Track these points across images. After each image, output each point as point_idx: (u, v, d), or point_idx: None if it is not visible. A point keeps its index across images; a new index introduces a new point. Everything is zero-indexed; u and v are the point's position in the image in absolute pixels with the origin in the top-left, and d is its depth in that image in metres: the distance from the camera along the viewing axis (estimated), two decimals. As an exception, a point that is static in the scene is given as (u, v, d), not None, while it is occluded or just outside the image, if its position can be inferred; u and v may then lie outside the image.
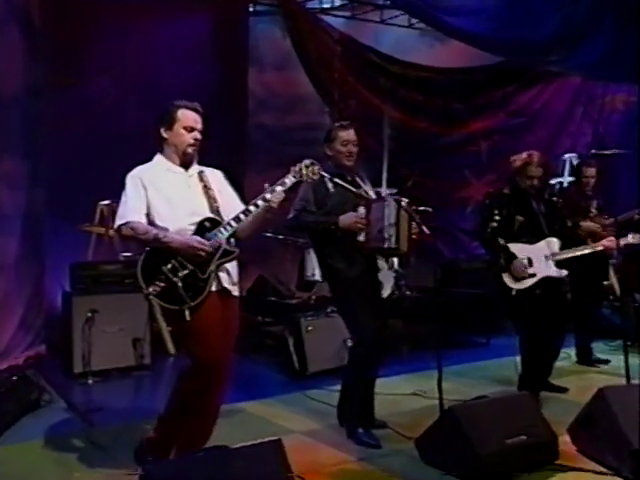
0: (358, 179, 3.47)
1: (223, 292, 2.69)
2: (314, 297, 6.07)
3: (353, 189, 3.35)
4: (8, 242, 5.04)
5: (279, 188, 2.70)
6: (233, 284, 2.75)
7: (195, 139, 2.73)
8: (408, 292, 5.92)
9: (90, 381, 4.46)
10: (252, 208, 2.66)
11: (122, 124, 5.49)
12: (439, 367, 2.98)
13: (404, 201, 3.32)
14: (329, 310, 4.94)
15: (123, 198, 2.70)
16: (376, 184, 7.62)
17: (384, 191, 7.21)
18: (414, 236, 3.28)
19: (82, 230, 5.21)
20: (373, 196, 3.45)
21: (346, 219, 3.24)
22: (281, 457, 2.45)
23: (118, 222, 2.67)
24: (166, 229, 2.66)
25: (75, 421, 3.74)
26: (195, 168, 2.80)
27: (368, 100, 7.03)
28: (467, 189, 7.61)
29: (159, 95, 5.57)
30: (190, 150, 2.72)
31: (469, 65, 7.46)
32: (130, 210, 2.66)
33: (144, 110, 5.64)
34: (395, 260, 6.56)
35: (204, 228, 2.65)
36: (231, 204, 2.79)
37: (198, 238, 2.59)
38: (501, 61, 7.31)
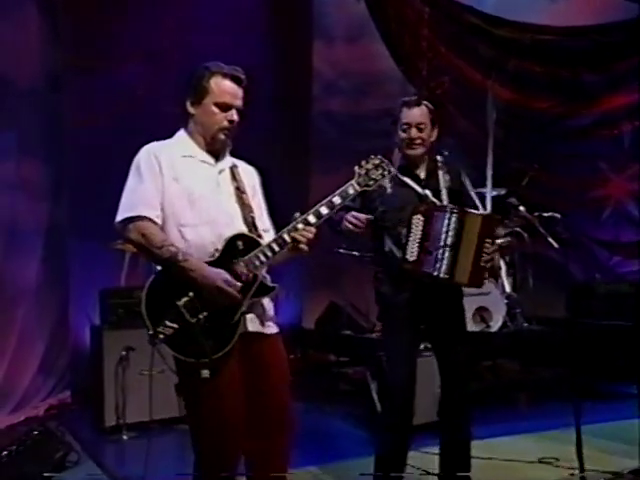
0: (442, 174, 3.24)
1: (251, 336, 2.50)
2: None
3: (418, 188, 3.17)
4: (27, 264, 5.25)
5: (337, 200, 2.53)
6: (268, 320, 2.57)
7: (231, 121, 2.51)
8: (526, 324, 5.71)
9: (125, 437, 4.52)
10: (287, 238, 2.46)
11: (160, 116, 5.62)
12: (577, 426, 2.83)
13: (476, 213, 3.09)
14: (422, 347, 4.83)
15: (132, 182, 2.46)
16: (478, 183, 7.55)
17: (488, 192, 7.07)
18: (485, 264, 3.04)
19: (114, 249, 5.32)
20: (445, 201, 3.16)
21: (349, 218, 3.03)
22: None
23: (124, 214, 2.40)
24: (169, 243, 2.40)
25: (107, 487, 3.78)
26: (227, 161, 2.61)
27: (467, 75, 6.93)
28: (604, 187, 7.37)
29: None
30: (222, 136, 2.52)
31: (605, 22, 7.20)
32: (142, 201, 2.41)
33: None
34: (506, 281, 6.40)
35: (235, 249, 2.43)
36: (260, 219, 2.63)
37: (227, 277, 2.37)
38: (650, 12, 7.05)
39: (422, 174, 3.23)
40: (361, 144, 6.79)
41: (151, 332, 2.32)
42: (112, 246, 5.21)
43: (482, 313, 5.63)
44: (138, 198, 2.42)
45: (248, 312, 2.46)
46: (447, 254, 3.01)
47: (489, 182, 6.98)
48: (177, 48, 6.06)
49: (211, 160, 2.55)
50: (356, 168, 2.61)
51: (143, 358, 4.52)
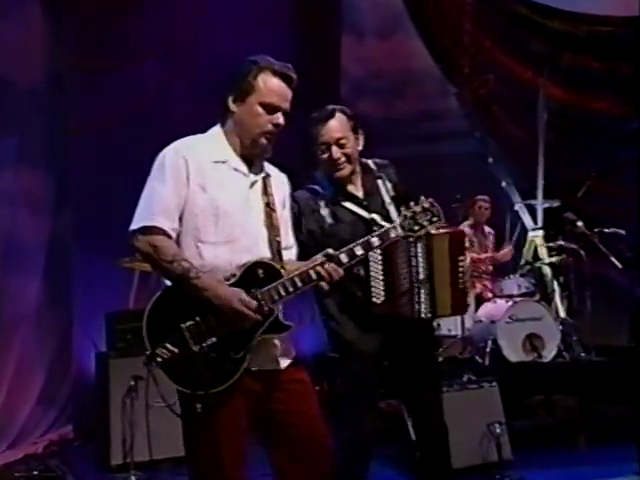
0: (382, 184, 3.09)
1: (258, 373, 2.47)
2: (441, 359, 5.89)
3: (362, 212, 3.04)
4: (27, 284, 5.25)
5: (375, 242, 2.55)
6: (280, 356, 2.54)
7: (276, 125, 2.50)
8: (584, 354, 5.66)
9: (133, 477, 4.47)
10: (313, 275, 2.44)
11: (174, 120, 5.63)
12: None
13: (441, 233, 2.97)
14: (465, 379, 4.77)
15: (153, 183, 2.45)
16: (528, 194, 7.46)
17: (539, 204, 6.99)
18: (463, 285, 3.00)
19: (122, 267, 5.28)
20: (396, 219, 2.89)
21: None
22: None
23: (140, 222, 2.40)
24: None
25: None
26: (261, 170, 2.60)
27: (515, 73, 6.93)
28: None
29: (221, 80, 5.72)
30: (264, 140, 2.50)
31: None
32: (160, 209, 2.41)
33: (202, 100, 5.81)
34: (560, 304, 6.31)
35: (254, 278, 2.41)
36: (284, 234, 2.62)
37: (243, 296, 2.35)
38: None
39: (360, 192, 3.11)
40: (396, 151, 6.74)
41: (148, 353, 2.34)
42: (120, 264, 5.23)
43: (533, 341, 5.56)
44: (155, 206, 2.41)
45: (256, 349, 2.43)
46: (423, 290, 2.94)
47: (540, 193, 6.92)
48: (193, 46, 6.10)
49: (244, 168, 2.53)
50: (402, 209, 2.60)
51: (154, 389, 4.54)
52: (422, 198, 2.61)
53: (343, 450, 2.94)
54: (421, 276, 2.95)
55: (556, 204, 6.59)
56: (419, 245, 2.95)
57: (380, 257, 2.93)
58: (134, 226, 2.41)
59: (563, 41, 7.01)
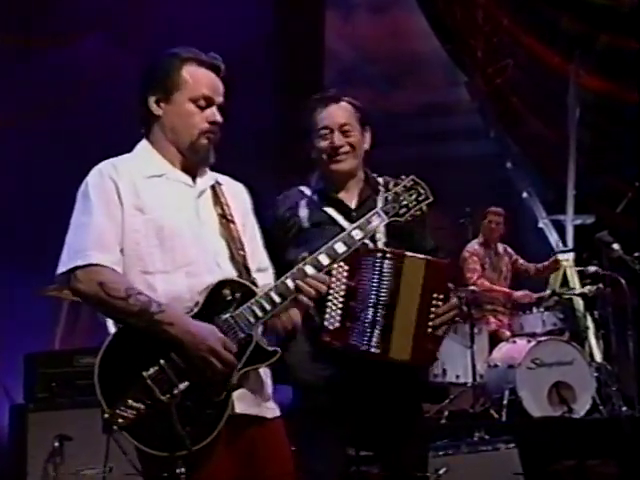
0: (380, 200, 2.94)
1: (243, 419, 2.51)
2: (447, 412, 5.92)
3: (343, 222, 3.04)
4: None
5: (357, 234, 2.62)
6: (265, 401, 2.58)
7: (213, 122, 2.58)
8: (625, 408, 5.63)
9: None
10: (291, 285, 2.50)
11: (121, 108, 5.57)
12: None
13: (418, 257, 2.89)
14: (477, 438, 4.80)
15: (79, 216, 2.49)
16: (556, 207, 7.48)
17: (569, 221, 7.00)
18: (434, 330, 2.91)
19: (46, 296, 5.22)
20: (382, 241, 3.02)
21: None
22: None
23: (70, 263, 2.41)
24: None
25: None
26: (208, 177, 2.68)
27: (540, 58, 6.96)
28: None
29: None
30: (204, 140, 2.58)
31: None
32: (94, 243, 2.43)
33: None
34: (595, 346, 6.30)
35: (221, 301, 2.47)
36: (255, 255, 2.68)
37: (220, 335, 2.40)
38: None
39: (353, 202, 3.13)
40: (392, 153, 6.76)
41: (107, 415, 2.28)
42: (44, 292, 5.18)
43: (562, 391, 5.57)
44: (89, 239, 2.43)
45: (238, 387, 2.43)
46: (379, 318, 2.90)
47: (570, 206, 6.94)
48: (150, 19, 6.08)
49: (187, 179, 2.59)
50: (381, 191, 2.68)
51: (83, 451, 4.48)
52: (403, 177, 2.70)
53: None
54: (381, 300, 2.90)
55: (590, 220, 6.61)
56: (387, 263, 2.90)
57: (345, 272, 2.89)
58: (63, 268, 2.39)
59: (600, 18, 6.99)
